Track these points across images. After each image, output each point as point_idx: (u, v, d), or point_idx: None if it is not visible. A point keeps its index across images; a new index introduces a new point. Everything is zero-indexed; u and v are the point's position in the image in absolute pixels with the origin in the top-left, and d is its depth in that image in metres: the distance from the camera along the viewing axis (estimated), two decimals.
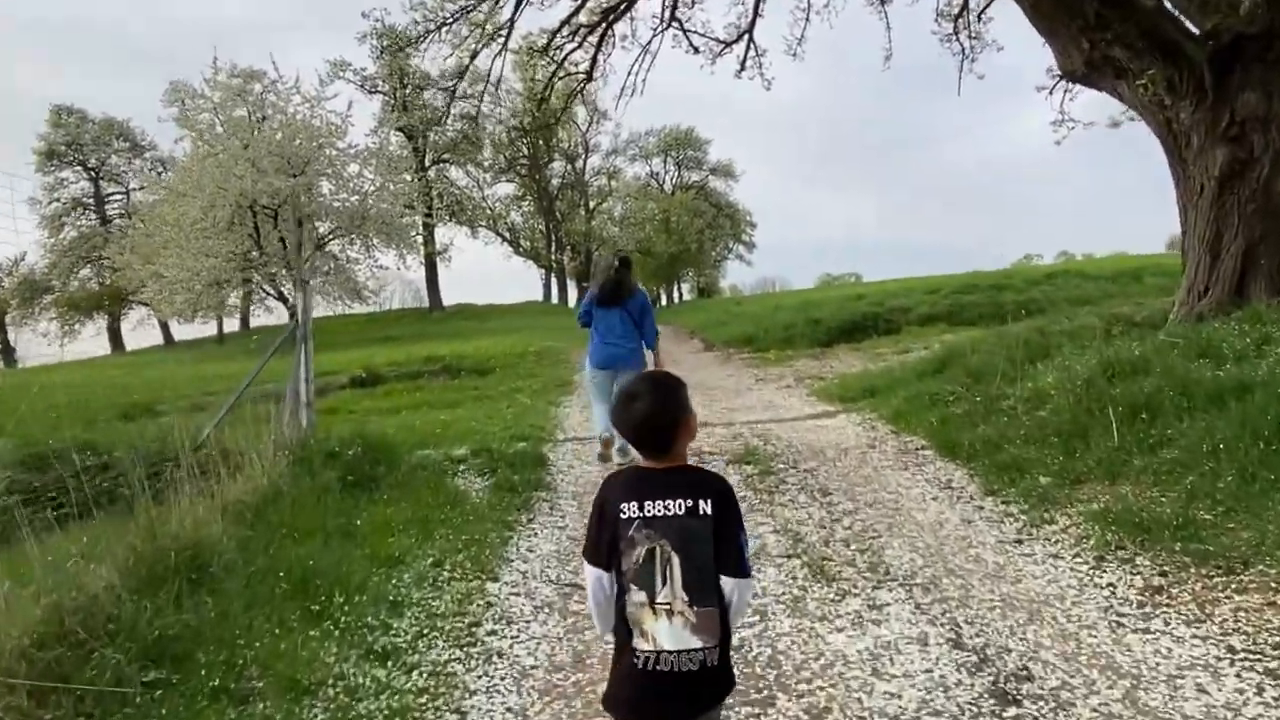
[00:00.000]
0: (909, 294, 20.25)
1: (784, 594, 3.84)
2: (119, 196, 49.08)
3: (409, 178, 33.50)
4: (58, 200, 49.07)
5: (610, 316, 6.48)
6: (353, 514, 4.86)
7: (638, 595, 1.90)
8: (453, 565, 4.21)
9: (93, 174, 49.06)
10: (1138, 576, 3.89)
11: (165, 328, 44.70)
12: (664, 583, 1.88)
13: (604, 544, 1.96)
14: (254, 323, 47.29)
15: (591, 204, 59.14)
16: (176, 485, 4.61)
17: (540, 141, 51.61)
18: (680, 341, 23.38)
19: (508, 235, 52.55)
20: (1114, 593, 3.77)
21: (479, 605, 3.77)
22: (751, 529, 4.84)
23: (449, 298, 47.84)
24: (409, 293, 63.30)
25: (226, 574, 3.59)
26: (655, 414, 1.95)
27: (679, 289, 63.71)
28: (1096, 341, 7.83)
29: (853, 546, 4.47)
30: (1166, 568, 3.90)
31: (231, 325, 48.19)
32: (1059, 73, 11.55)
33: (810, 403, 9.88)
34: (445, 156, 42.03)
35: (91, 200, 49.91)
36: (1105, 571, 4.00)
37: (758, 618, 3.60)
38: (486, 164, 50.50)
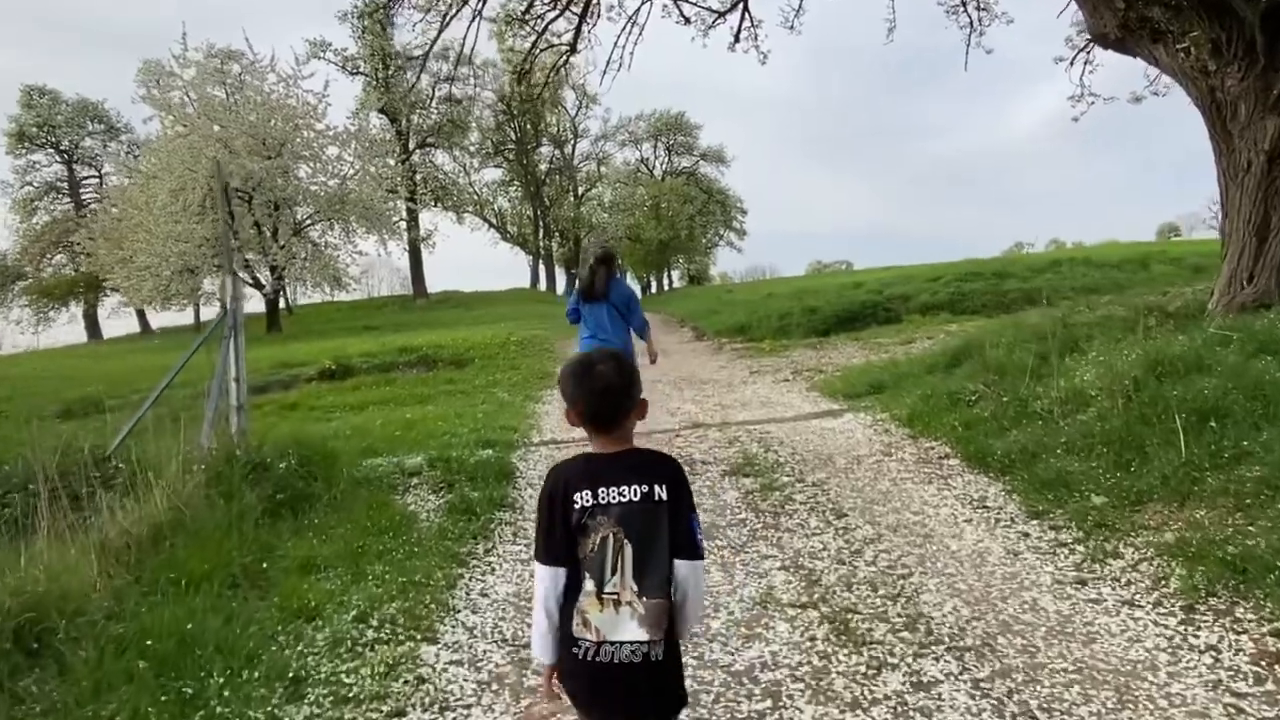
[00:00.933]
0: (908, 282, 19.45)
1: (802, 664, 3.00)
2: (94, 180, 47.75)
3: (392, 162, 32.64)
4: (30, 184, 47.71)
5: (598, 311, 6.35)
6: (271, 548, 4.01)
7: (588, 584, 1.80)
8: (381, 620, 3.35)
9: (66, 157, 47.69)
10: (1244, 636, 3.08)
11: (141, 315, 43.54)
12: (614, 571, 1.78)
13: (558, 537, 1.82)
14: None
15: (580, 190, 58.09)
16: (53, 513, 3.75)
17: (527, 125, 50.52)
18: (670, 330, 22.51)
19: (494, 221, 51.51)
20: (1218, 659, 2.96)
21: (406, 681, 2.92)
22: (756, 564, 4.02)
23: (436, 284, 46.88)
24: (397, 279, 62.16)
25: (74, 645, 2.73)
26: (616, 383, 1.84)
27: (669, 276, 62.79)
28: (1133, 335, 7.02)
29: (881, 590, 3.64)
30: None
31: (211, 313, 46.92)
32: (1080, 42, 10.76)
33: (812, 400, 9.05)
34: (429, 140, 40.86)
35: (65, 184, 48.56)
36: (1200, 628, 3.19)
37: (769, 702, 2.77)
38: (473, 149, 49.41)
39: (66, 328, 48.81)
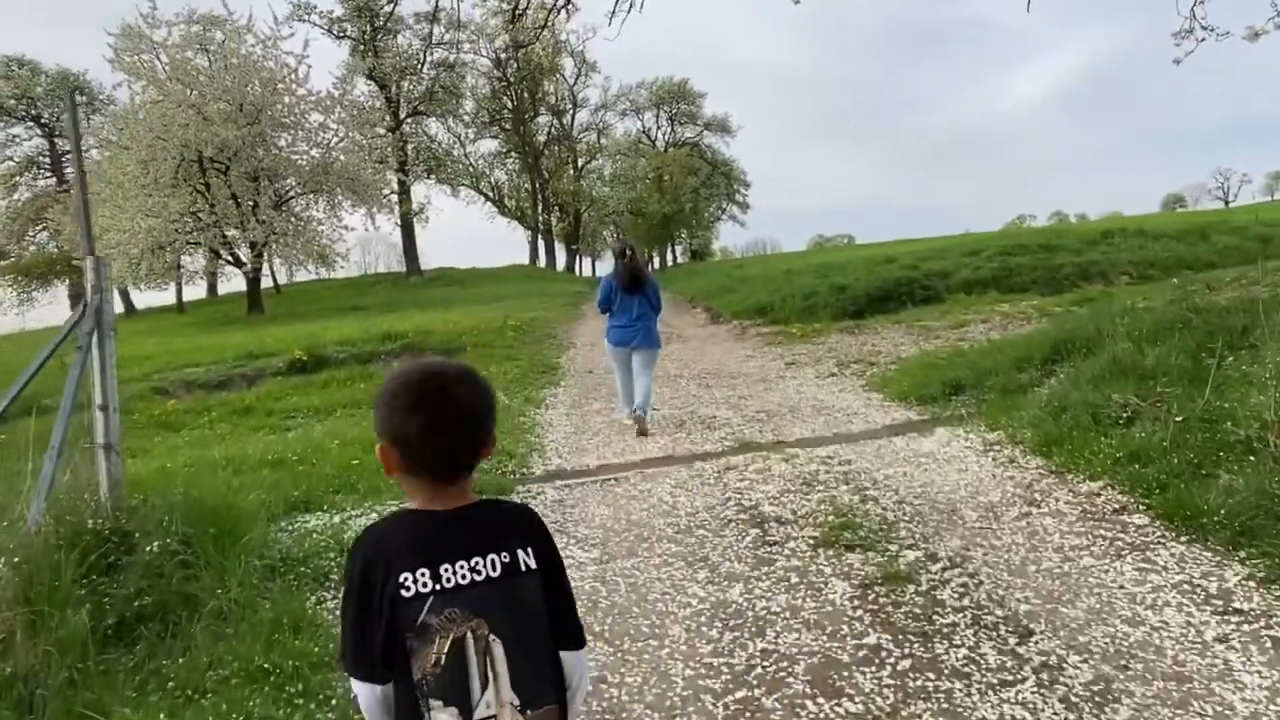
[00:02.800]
0: (945, 256, 17.64)
1: None
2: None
3: (381, 131, 30.64)
4: (10, 159, 45.85)
5: (630, 301, 6.99)
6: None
7: (443, 714, 1.25)
8: None
9: (47, 130, 45.72)
10: None
11: (126, 296, 41.76)
12: (484, 686, 1.26)
13: (377, 642, 1.26)
14: (222, 289, 44.47)
15: (580, 162, 56.02)
16: None
17: (524, 94, 48.41)
18: (680, 311, 20.73)
19: (491, 194, 49.53)
20: None
21: None
22: None
23: (433, 261, 45.05)
24: (394, 256, 59.83)
25: None
26: (476, 413, 1.30)
27: (673, 251, 60.86)
28: None
29: None
30: None
31: (198, 292, 45.18)
32: None
33: (878, 405, 7.32)
34: (421, 108, 38.78)
35: (47, 159, 46.67)
36: None
37: None
38: (468, 118, 47.32)
39: (52, 308, 47.15)
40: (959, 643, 2.89)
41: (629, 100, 55.45)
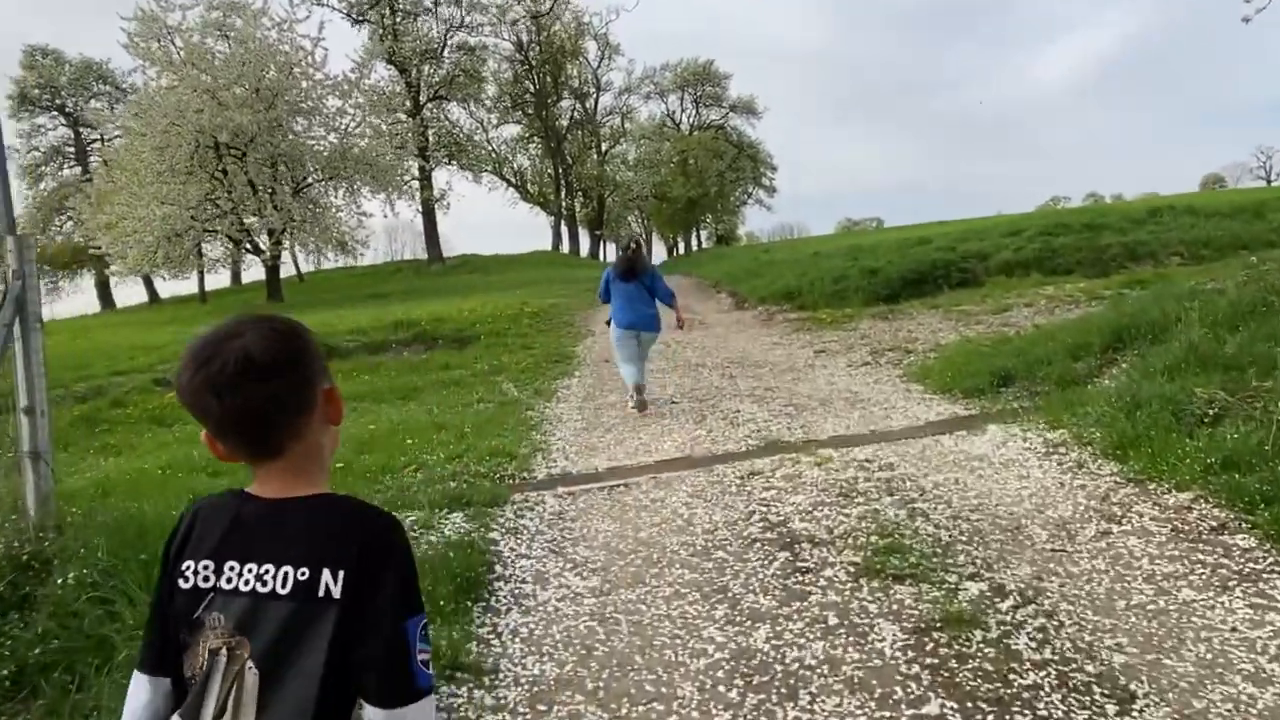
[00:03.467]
0: (982, 237, 16.82)
1: None
2: (99, 144, 45.87)
3: (402, 116, 30.21)
4: (36, 149, 46.13)
5: (629, 288, 7.19)
6: None
7: None
8: None
9: (71, 119, 45.86)
10: None
11: (149, 284, 41.83)
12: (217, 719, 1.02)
13: (158, 630, 1.14)
14: (246, 278, 44.37)
15: (604, 146, 55.28)
16: None
17: (547, 77, 47.71)
18: (705, 297, 20.10)
19: (513, 180, 48.97)
20: None
21: None
22: None
23: (458, 247, 44.69)
24: (420, 243, 59.33)
25: None
26: (259, 367, 1.02)
27: (698, 236, 59.99)
28: None
29: None
30: None
31: (223, 280, 45.13)
32: None
33: (916, 396, 6.68)
34: (441, 92, 38.25)
35: (72, 148, 46.88)
36: None
37: None
38: (490, 103, 46.74)
39: (80, 297, 47.44)
40: (1045, 713, 2.28)
41: (653, 83, 54.57)
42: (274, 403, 1.05)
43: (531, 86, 46.93)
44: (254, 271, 40.63)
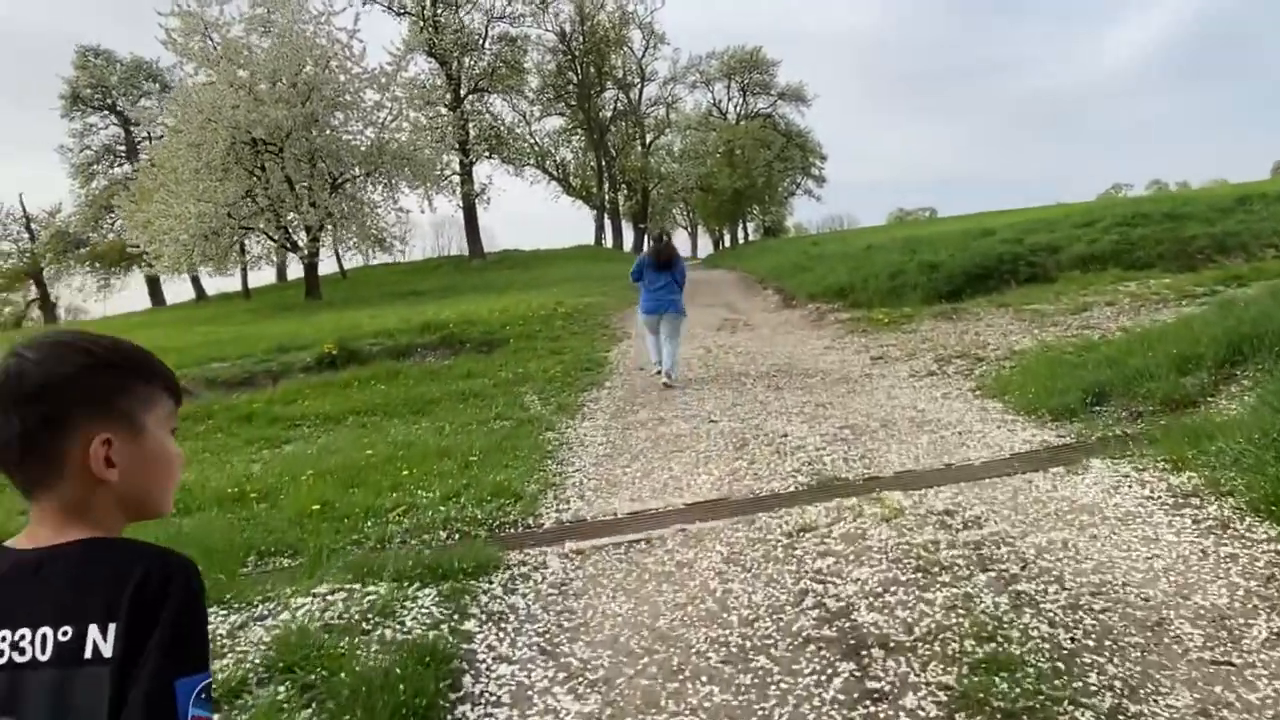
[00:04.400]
0: (1051, 228, 15.60)
1: None
2: (149, 142, 46.40)
3: (443, 110, 29.68)
4: (89, 148, 46.88)
5: (660, 276, 8.48)
6: None
7: None
8: None
9: (122, 118, 46.44)
10: None
11: (196, 281, 42.17)
12: None
13: None
14: (292, 274, 44.47)
15: (648, 137, 54.37)
16: None
17: (590, 68, 46.94)
18: (750, 293, 19.16)
19: (555, 173, 48.34)
20: None
21: None
22: None
23: (503, 241, 44.33)
24: (465, 239, 58.78)
25: None
26: (20, 393, 0.93)
27: (744, 228, 58.74)
28: None
29: None
30: None
31: (268, 276, 45.35)
32: None
33: (995, 416, 5.74)
34: (481, 84, 37.68)
35: (123, 147, 47.51)
36: None
37: None
38: (532, 96, 46.14)
39: (131, 295, 48.14)
40: None
41: (699, 72, 53.46)
42: (18, 434, 0.93)
43: (575, 77, 46.22)
44: (298, 268, 40.82)
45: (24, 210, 48.24)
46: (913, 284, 13.58)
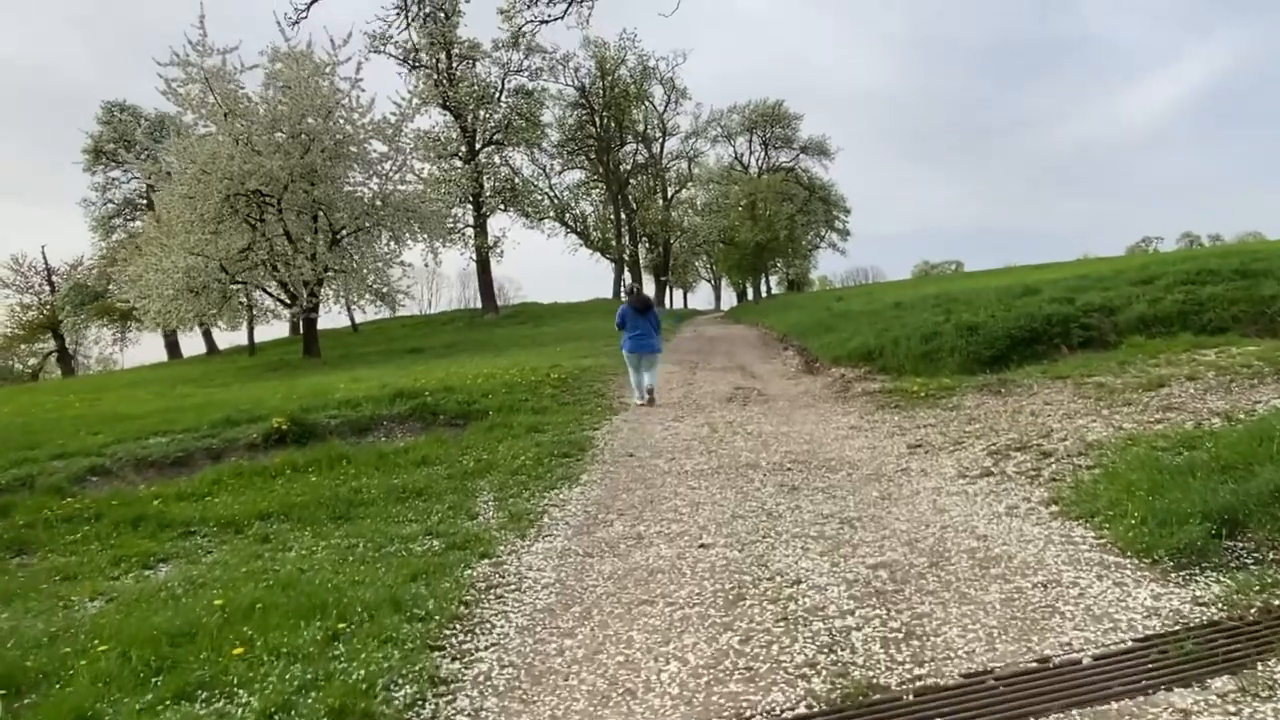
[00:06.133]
0: (1103, 286, 13.98)
1: None
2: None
3: (458, 163, 28.74)
4: (111, 201, 46.90)
5: (639, 322, 10.79)
6: None
7: None
8: None
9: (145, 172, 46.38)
10: None
11: (207, 335, 41.43)
12: None
13: None
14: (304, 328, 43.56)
15: (670, 190, 53.52)
16: None
17: (610, 121, 46.31)
18: (769, 354, 17.62)
19: (573, 225, 47.43)
20: None
21: None
22: None
23: (526, 293, 43.25)
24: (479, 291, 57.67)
25: None
26: None
27: (766, 282, 57.37)
28: None
29: None
30: None
31: (276, 331, 44.37)
32: None
33: (1088, 554, 4.14)
34: (496, 137, 36.94)
35: (145, 200, 47.45)
36: None
37: None
38: (553, 150, 45.49)
39: (152, 346, 47.58)
40: None
41: (720, 126, 52.81)
42: None
43: (594, 129, 45.58)
44: (329, 319, 39.90)
45: (45, 262, 48.19)
46: (949, 347, 12.00)
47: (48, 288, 48.10)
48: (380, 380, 13.12)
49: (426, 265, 27.20)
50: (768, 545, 4.71)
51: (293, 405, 10.88)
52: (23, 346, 49.50)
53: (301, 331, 24.65)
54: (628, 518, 5.58)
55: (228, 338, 40.83)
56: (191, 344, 45.60)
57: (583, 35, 42.94)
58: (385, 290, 24.28)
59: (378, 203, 23.11)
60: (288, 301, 23.55)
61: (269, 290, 22.87)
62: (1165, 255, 18.86)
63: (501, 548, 4.93)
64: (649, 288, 52.76)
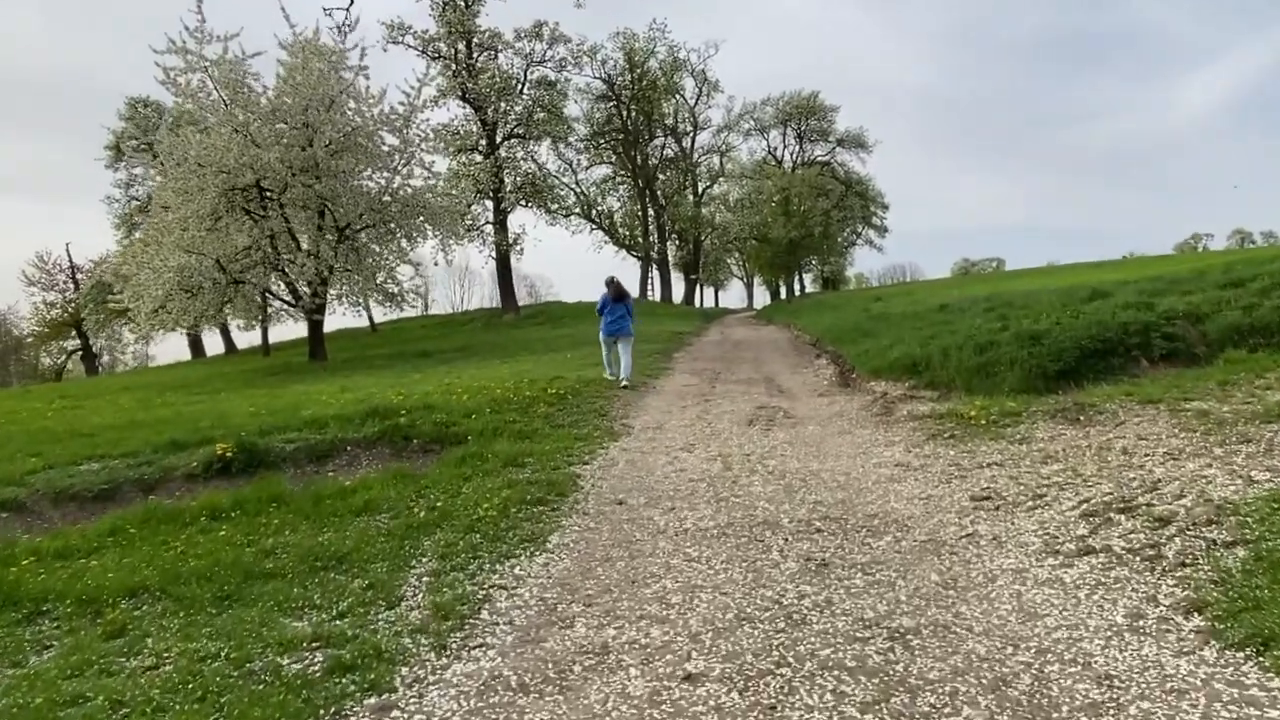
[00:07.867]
0: (1186, 287, 12.22)
1: None
2: None
3: (478, 157, 27.34)
4: (135, 199, 46.45)
5: (617, 308, 12.39)
6: None
7: None
8: None
9: (164, 168, 45.83)
10: None
11: (226, 333, 40.72)
12: None
13: None
14: (328, 326, 42.69)
15: (700, 186, 51.90)
16: None
17: (638, 114, 44.81)
18: (800, 362, 15.99)
19: (599, 221, 46.01)
20: None
21: None
22: None
23: (560, 291, 41.98)
24: (522, 287, 55.70)
25: None
26: None
27: (800, 279, 55.51)
28: None
29: None
30: None
31: (302, 330, 43.44)
32: None
33: None
34: (518, 130, 35.60)
35: None
36: None
37: None
38: (580, 145, 44.11)
39: (177, 344, 47.09)
40: None
41: (753, 118, 51.06)
42: None
43: (619, 121, 44.12)
44: (334, 320, 38.88)
45: (70, 260, 47.93)
46: (1008, 359, 10.34)
47: (72, 285, 47.86)
48: (367, 392, 11.77)
49: (436, 264, 25.83)
50: (782, 683, 3.21)
51: (254, 425, 9.55)
52: (51, 344, 49.42)
53: (308, 333, 23.47)
54: (596, 611, 4.12)
55: (246, 337, 40.12)
56: (214, 342, 45.05)
57: (611, 29, 41.58)
58: (395, 291, 23.04)
59: (386, 198, 21.84)
60: (292, 301, 22.41)
61: (273, 290, 21.74)
62: (1252, 253, 16.93)
63: (404, 671, 3.49)
64: (678, 286, 51.30)
